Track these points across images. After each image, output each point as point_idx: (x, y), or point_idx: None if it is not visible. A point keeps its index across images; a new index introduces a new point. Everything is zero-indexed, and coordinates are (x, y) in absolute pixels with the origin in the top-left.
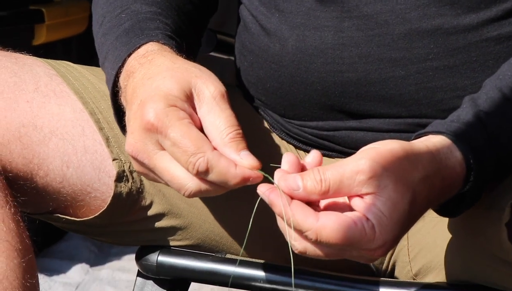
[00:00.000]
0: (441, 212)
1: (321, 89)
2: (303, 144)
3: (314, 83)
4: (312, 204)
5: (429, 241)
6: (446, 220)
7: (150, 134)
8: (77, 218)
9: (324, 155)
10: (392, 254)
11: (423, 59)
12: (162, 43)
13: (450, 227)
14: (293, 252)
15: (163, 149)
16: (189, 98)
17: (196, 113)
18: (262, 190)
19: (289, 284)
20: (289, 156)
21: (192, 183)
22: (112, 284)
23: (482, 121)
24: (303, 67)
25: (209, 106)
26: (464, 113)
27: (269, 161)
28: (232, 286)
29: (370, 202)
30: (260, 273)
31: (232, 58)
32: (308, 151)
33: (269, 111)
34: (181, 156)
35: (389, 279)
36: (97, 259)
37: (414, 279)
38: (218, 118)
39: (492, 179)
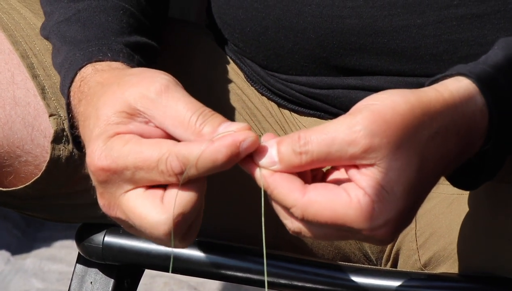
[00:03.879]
0: (457, 182)
1: (315, 37)
2: (289, 102)
3: (307, 30)
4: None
5: (442, 223)
6: (463, 198)
7: (109, 181)
8: (3, 187)
9: (314, 116)
10: (395, 241)
11: (445, 5)
12: (96, 60)
13: (470, 206)
14: (265, 234)
15: (133, 186)
16: (134, 115)
17: (156, 126)
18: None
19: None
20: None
21: (165, 218)
22: (39, 276)
23: None
24: (293, 9)
25: (161, 107)
26: (493, 55)
27: (244, 121)
28: (193, 274)
29: (367, 173)
30: (228, 260)
31: None
32: (295, 111)
33: (247, 61)
34: (149, 173)
35: (391, 269)
36: (21, 246)
37: (422, 271)
38: (176, 112)
39: None
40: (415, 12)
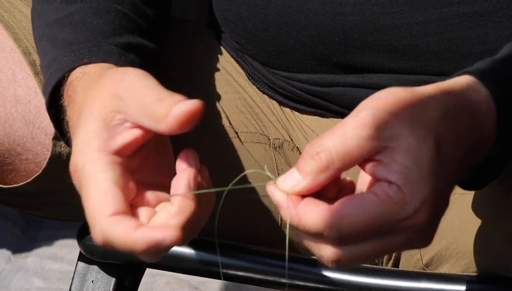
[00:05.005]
0: (466, 183)
1: (317, 34)
2: (290, 100)
3: (309, 26)
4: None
5: (444, 223)
6: (465, 197)
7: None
8: (4, 185)
9: (315, 114)
10: None
11: (447, 3)
12: (85, 63)
13: (472, 206)
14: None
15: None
16: (117, 122)
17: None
18: (271, 189)
19: (280, 275)
20: None
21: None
22: (40, 275)
23: None
24: (295, 6)
25: (133, 92)
26: (499, 54)
27: (245, 120)
28: (196, 273)
29: (387, 160)
30: (229, 260)
31: None
32: (296, 109)
33: (248, 58)
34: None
35: (393, 268)
36: (21, 245)
37: (424, 270)
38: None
39: None
40: (417, 10)
